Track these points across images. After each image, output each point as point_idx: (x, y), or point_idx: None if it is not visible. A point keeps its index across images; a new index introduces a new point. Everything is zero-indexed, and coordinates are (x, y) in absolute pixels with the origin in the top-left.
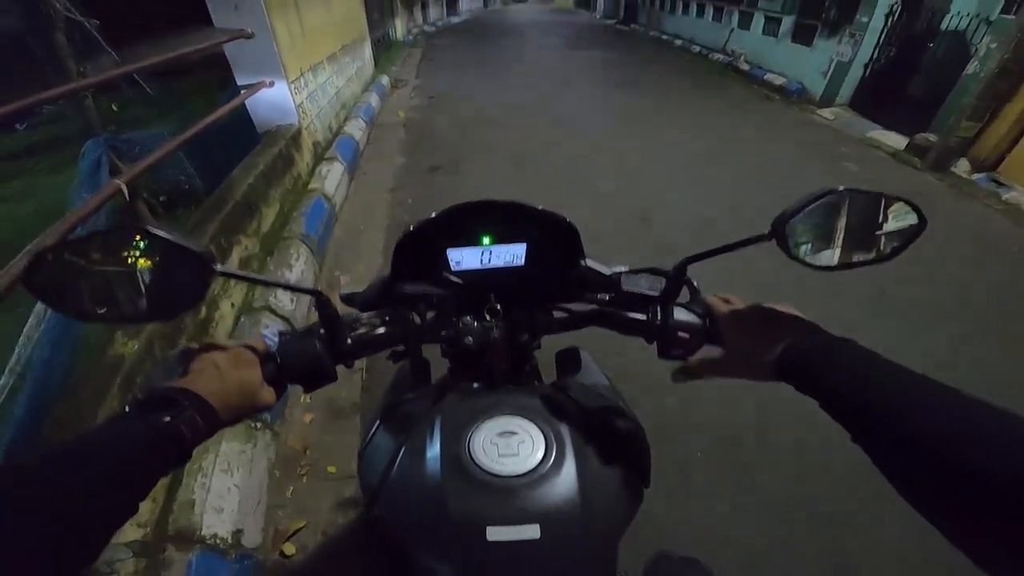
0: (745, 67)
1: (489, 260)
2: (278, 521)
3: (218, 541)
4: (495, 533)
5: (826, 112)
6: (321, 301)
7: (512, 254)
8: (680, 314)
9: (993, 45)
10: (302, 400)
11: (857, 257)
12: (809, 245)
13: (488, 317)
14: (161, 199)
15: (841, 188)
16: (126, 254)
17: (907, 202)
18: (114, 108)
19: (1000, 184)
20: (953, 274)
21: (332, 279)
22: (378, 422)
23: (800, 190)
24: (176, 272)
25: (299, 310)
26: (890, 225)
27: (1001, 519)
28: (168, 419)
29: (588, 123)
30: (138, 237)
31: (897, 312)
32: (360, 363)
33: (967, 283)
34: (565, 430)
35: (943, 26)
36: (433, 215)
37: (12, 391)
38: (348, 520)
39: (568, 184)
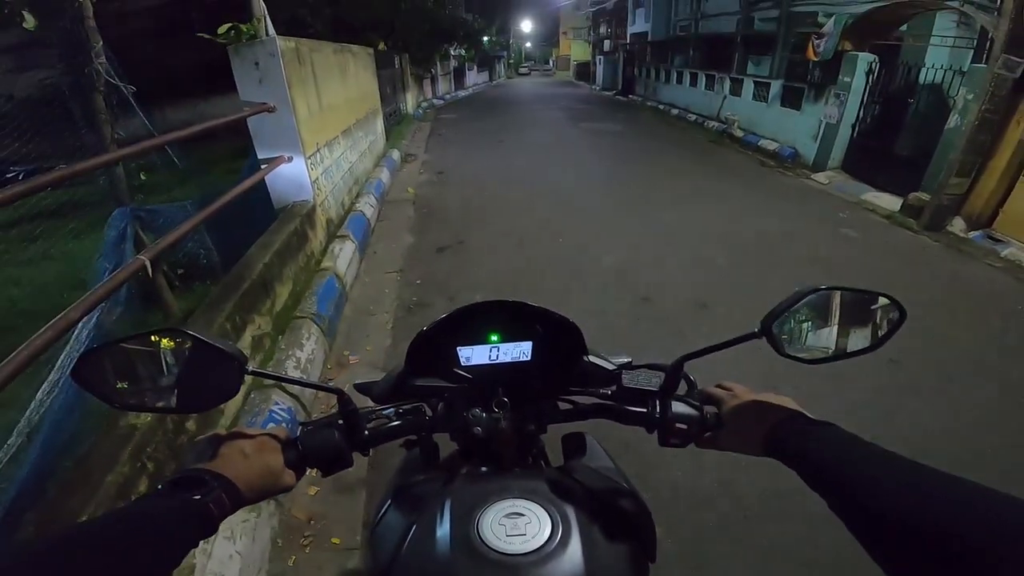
0: (739, 134)
1: (497, 356)
2: None
3: None
4: None
5: (820, 176)
6: (343, 399)
7: (519, 350)
8: (678, 407)
9: (969, 97)
10: (309, 473)
11: (844, 349)
12: (797, 340)
13: (496, 409)
14: (179, 272)
15: (823, 286)
16: (166, 352)
17: (887, 296)
18: (142, 177)
19: (997, 240)
20: (960, 338)
21: (342, 359)
22: (389, 502)
23: (802, 262)
24: (210, 370)
25: (307, 390)
26: (873, 317)
27: None
28: (198, 497)
29: (589, 199)
30: (179, 339)
31: (912, 380)
32: None
33: (976, 345)
34: (570, 510)
35: (921, 79)
36: (445, 315)
37: (19, 451)
38: None
39: (570, 262)
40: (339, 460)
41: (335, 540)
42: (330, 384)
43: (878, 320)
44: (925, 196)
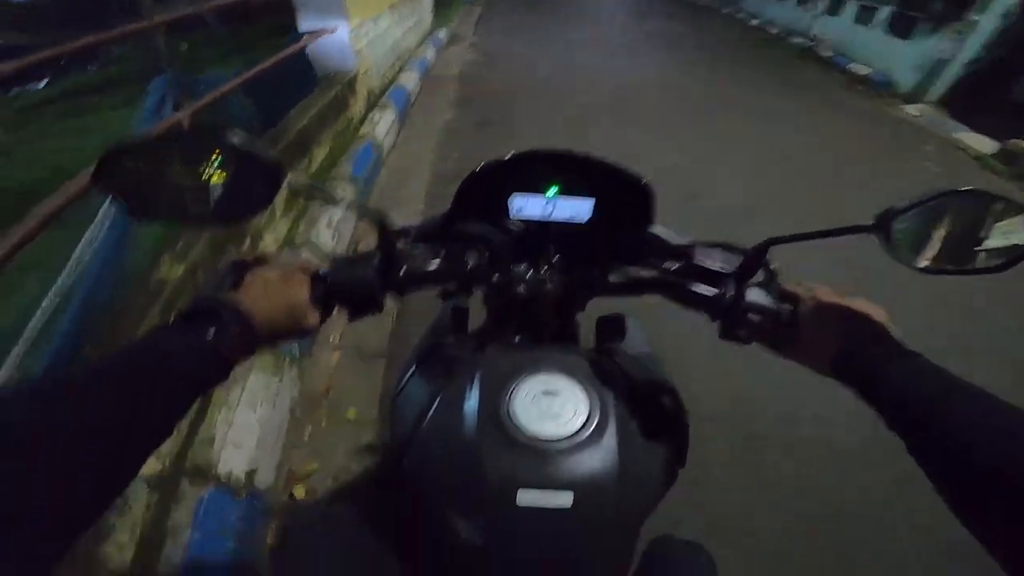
0: (827, 53)
1: (552, 212)
2: (292, 462)
3: (232, 480)
4: (526, 497)
5: (912, 108)
6: (384, 226)
7: (577, 209)
8: (755, 295)
9: None
10: (331, 339)
11: (963, 263)
12: (913, 244)
13: (544, 268)
14: None
15: (961, 188)
16: (200, 157)
17: None
18: (183, 47)
19: None
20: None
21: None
22: (415, 367)
23: (871, 186)
24: (246, 178)
25: (339, 247)
26: (1006, 232)
27: None
28: (211, 333)
29: (645, 101)
30: (211, 141)
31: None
32: (390, 308)
33: None
34: (610, 397)
35: None
36: (503, 158)
37: (56, 311)
38: (362, 466)
39: (618, 152)
40: (370, 300)
41: (351, 413)
42: (376, 210)
43: (1012, 236)
44: None
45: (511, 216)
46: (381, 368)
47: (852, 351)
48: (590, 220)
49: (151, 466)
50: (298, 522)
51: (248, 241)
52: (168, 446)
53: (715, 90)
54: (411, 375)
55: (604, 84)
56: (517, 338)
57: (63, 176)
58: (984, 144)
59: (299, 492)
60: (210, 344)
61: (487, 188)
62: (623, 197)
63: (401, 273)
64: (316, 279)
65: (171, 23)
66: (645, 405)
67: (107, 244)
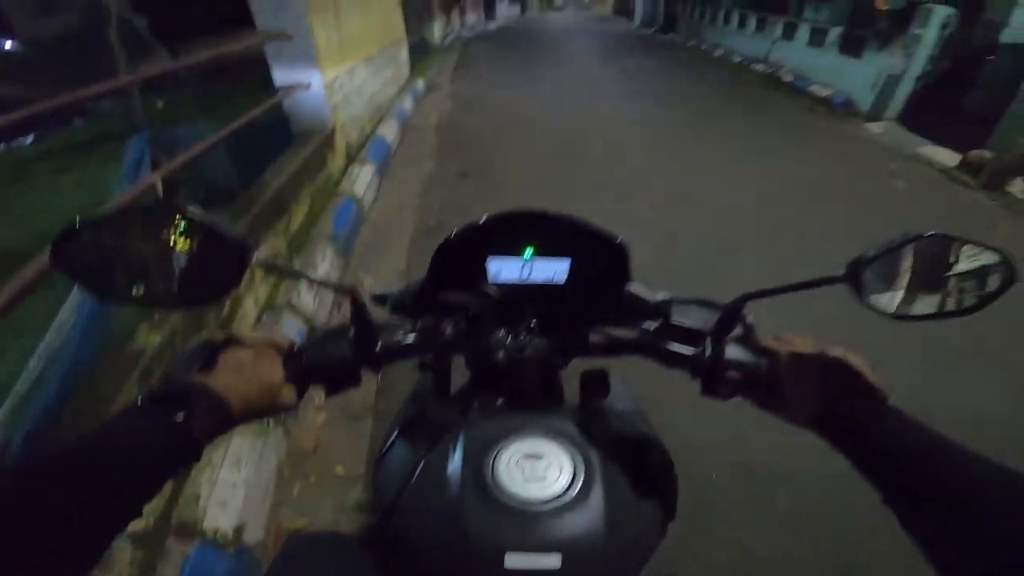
0: (788, 78)
1: (529, 274)
2: (281, 518)
3: (219, 536)
4: (514, 560)
5: (874, 126)
6: (356, 302)
7: (554, 269)
8: (733, 352)
9: None
10: (316, 400)
11: (937, 307)
12: (886, 291)
13: (523, 334)
14: (199, 196)
15: (926, 233)
16: (161, 235)
17: (999, 251)
18: (159, 105)
19: None
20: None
21: (357, 279)
22: (397, 431)
23: (843, 210)
24: (212, 258)
25: (321, 311)
26: (975, 274)
27: None
28: (180, 416)
29: (621, 139)
30: (176, 217)
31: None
32: None
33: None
34: (595, 456)
35: (1001, 39)
36: (477, 221)
37: (39, 377)
38: (350, 522)
39: (595, 201)
40: (347, 376)
41: (339, 469)
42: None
43: (983, 278)
44: (987, 154)
45: (488, 280)
46: (368, 425)
47: (832, 407)
48: (567, 281)
49: (135, 523)
50: (292, 548)
51: (228, 306)
52: (152, 504)
53: (687, 123)
54: (393, 441)
55: (580, 124)
56: (500, 401)
57: (49, 238)
58: (946, 157)
59: None
60: (180, 426)
61: (463, 253)
62: (599, 256)
63: (377, 348)
64: (290, 357)
65: (146, 81)
66: (631, 461)
67: (89, 309)
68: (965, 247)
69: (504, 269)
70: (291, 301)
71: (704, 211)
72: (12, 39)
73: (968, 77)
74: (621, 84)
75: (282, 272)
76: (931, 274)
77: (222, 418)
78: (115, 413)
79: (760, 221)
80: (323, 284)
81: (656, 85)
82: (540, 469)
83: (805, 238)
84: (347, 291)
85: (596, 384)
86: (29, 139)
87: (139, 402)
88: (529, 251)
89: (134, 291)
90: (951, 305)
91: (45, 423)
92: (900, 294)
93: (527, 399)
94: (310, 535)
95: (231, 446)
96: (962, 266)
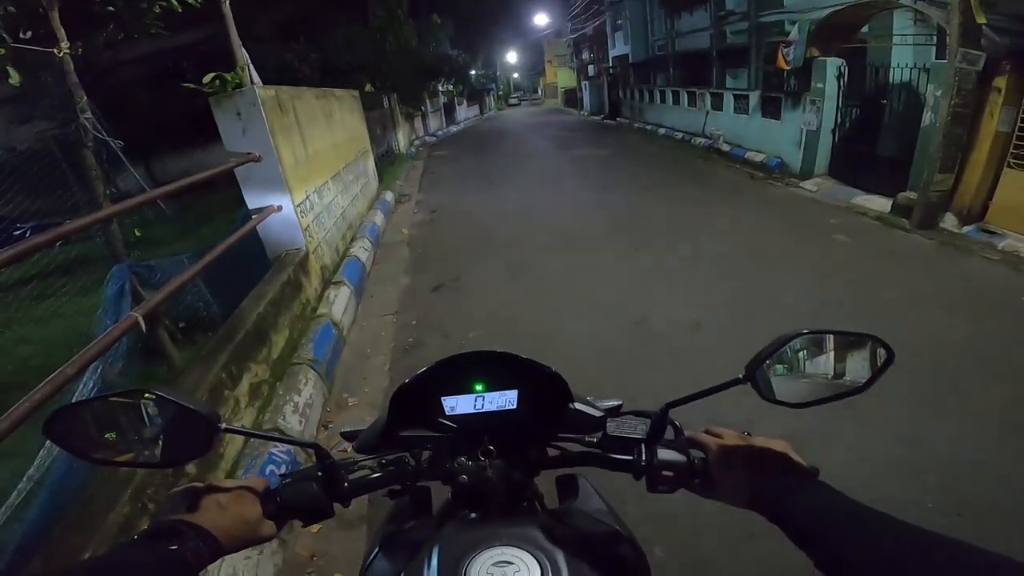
0: (726, 148)
1: (482, 405)
2: None
3: None
4: None
5: (808, 184)
6: (320, 453)
7: (504, 399)
8: (664, 454)
9: (938, 93)
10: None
11: (830, 391)
12: (784, 384)
13: (482, 457)
14: (180, 326)
15: (805, 331)
16: (137, 412)
17: (872, 337)
18: (137, 233)
19: (992, 233)
20: (966, 334)
21: (341, 401)
22: (376, 550)
23: (796, 270)
24: (183, 427)
25: (307, 432)
26: (860, 358)
27: None
28: (174, 547)
29: (582, 227)
30: (147, 397)
31: (923, 382)
32: None
33: (982, 340)
34: (560, 557)
35: (892, 79)
36: (427, 368)
37: (28, 496)
38: None
39: (564, 294)
40: (319, 511)
41: None
42: (307, 439)
43: (866, 361)
44: (913, 195)
45: (445, 415)
46: (363, 533)
47: (763, 486)
48: (517, 406)
49: None
50: None
51: None
52: None
53: (642, 203)
54: (373, 559)
55: (542, 220)
56: (474, 514)
57: (31, 371)
58: (878, 204)
59: None
60: (176, 556)
61: (418, 395)
62: (542, 384)
63: (346, 485)
64: (267, 497)
65: (124, 212)
66: (600, 557)
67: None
68: (843, 338)
69: (459, 404)
70: (278, 423)
71: (668, 276)
72: None
73: (875, 122)
74: (578, 175)
75: (249, 435)
76: (820, 364)
77: (211, 549)
78: (113, 546)
79: (717, 287)
80: (288, 441)
81: (610, 171)
82: (510, 574)
83: (760, 311)
84: (310, 446)
85: (567, 487)
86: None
87: (135, 537)
88: (479, 386)
89: (118, 457)
90: (843, 388)
91: (35, 540)
92: (795, 385)
93: (499, 510)
94: None
95: (225, 560)
96: (844, 353)
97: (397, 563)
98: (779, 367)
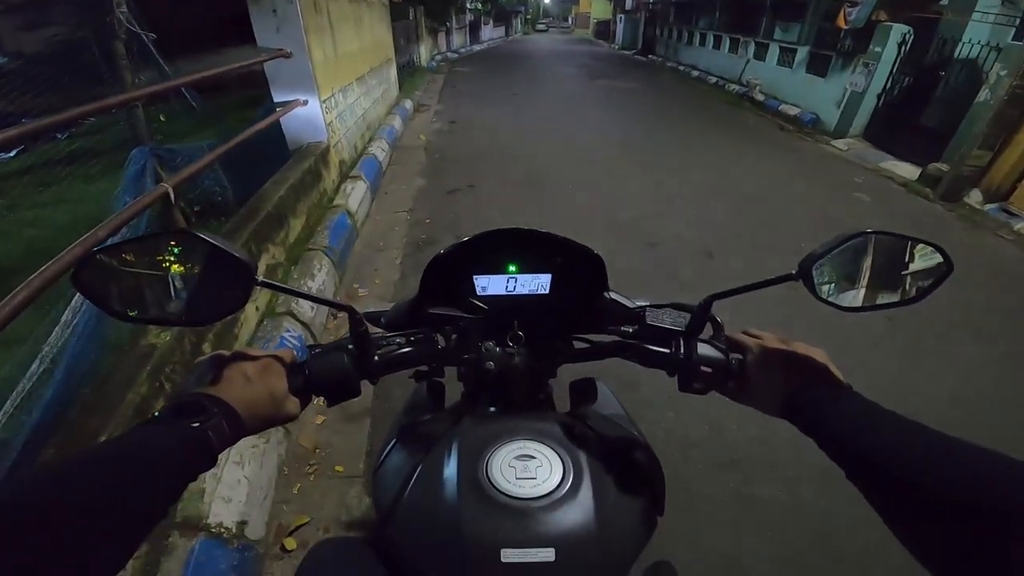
0: (760, 97)
1: (514, 288)
2: (282, 516)
3: (222, 530)
4: (510, 555)
5: (840, 143)
6: (354, 318)
7: (537, 283)
8: (704, 349)
9: (1003, 72)
10: (315, 402)
11: (883, 299)
12: (836, 286)
13: (511, 343)
14: (195, 209)
15: (869, 231)
16: (172, 257)
17: (934, 246)
18: (162, 119)
19: (1012, 214)
20: (967, 301)
21: (351, 291)
22: (394, 441)
23: (810, 222)
24: (218, 278)
25: (318, 318)
26: (916, 267)
27: (992, 553)
28: (197, 424)
29: (601, 154)
30: (185, 241)
31: (913, 343)
32: None
33: (981, 310)
34: (582, 456)
35: (956, 54)
36: (462, 240)
37: (43, 376)
38: (350, 519)
39: (578, 211)
40: (346, 388)
41: (339, 468)
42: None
43: (923, 270)
44: (944, 167)
45: (476, 294)
46: (366, 426)
47: (797, 395)
48: (550, 292)
49: None
50: (318, 553)
51: None
52: None
53: (664, 141)
54: (390, 450)
55: (561, 139)
56: (492, 408)
57: (37, 251)
58: (907, 171)
59: (290, 544)
60: (198, 435)
61: (450, 271)
62: (578, 269)
63: (375, 359)
64: (293, 369)
65: (151, 95)
66: (618, 461)
67: (89, 316)
68: (904, 243)
69: (490, 284)
70: (291, 308)
71: (686, 208)
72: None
73: (926, 93)
74: (601, 105)
75: (284, 291)
76: (876, 268)
77: (234, 427)
78: (136, 423)
79: (727, 231)
80: (323, 302)
81: (636, 105)
82: (531, 469)
83: (770, 250)
84: (345, 309)
85: (584, 391)
86: (11, 153)
87: (157, 413)
88: (513, 267)
89: (148, 312)
90: (897, 296)
91: (51, 419)
92: (848, 288)
93: (517, 405)
94: (336, 540)
95: (233, 446)
96: (903, 260)
97: (416, 454)
98: (834, 267)
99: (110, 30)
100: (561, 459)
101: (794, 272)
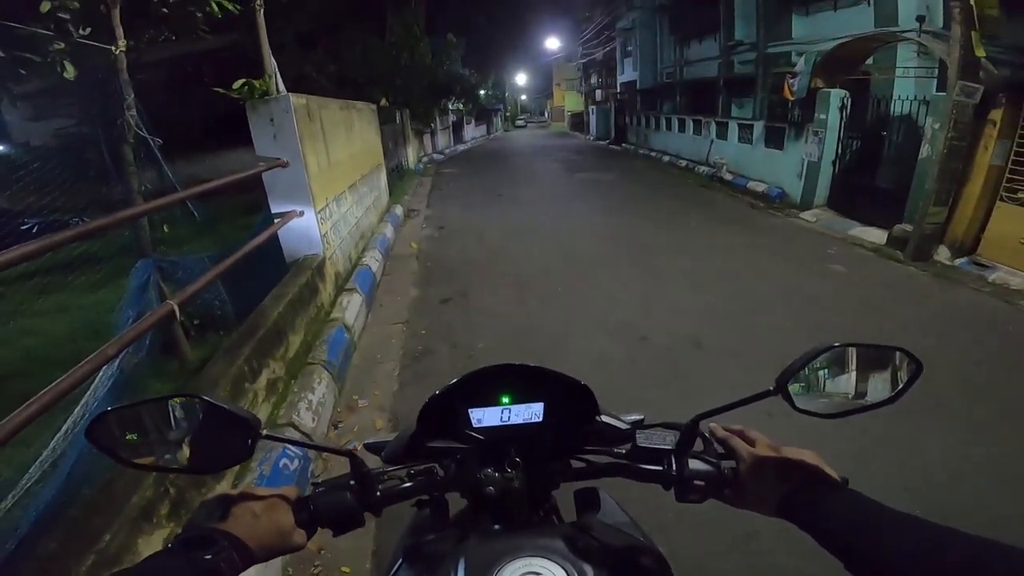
0: (728, 177)
1: (509, 418)
2: None
3: None
4: None
5: (808, 215)
6: (355, 461)
7: (530, 412)
8: (695, 464)
9: (936, 126)
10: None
11: (859, 403)
12: (814, 396)
13: (509, 469)
14: (195, 323)
15: (836, 344)
16: (179, 415)
17: (901, 350)
18: (165, 229)
19: (983, 266)
20: (957, 361)
21: (351, 403)
22: (400, 561)
23: (792, 299)
24: (223, 433)
25: (319, 428)
26: (888, 371)
27: None
28: (208, 556)
29: (585, 248)
30: (191, 402)
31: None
32: None
33: (972, 366)
34: (588, 569)
35: (891, 112)
36: (457, 379)
37: (54, 463)
38: None
39: (568, 310)
40: (351, 521)
41: (345, 569)
42: (343, 446)
43: (894, 374)
44: (908, 227)
45: (472, 425)
46: (372, 527)
47: (791, 496)
48: (543, 419)
49: None
50: None
51: None
52: None
53: (645, 228)
54: (397, 570)
55: (549, 241)
56: (496, 526)
57: (36, 361)
58: (875, 235)
59: None
60: (211, 566)
61: (446, 407)
62: (568, 396)
63: (377, 494)
64: (299, 505)
65: (157, 209)
66: (625, 569)
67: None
68: (871, 350)
69: (485, 416)
70: (292, 420)
71: (673, 296)
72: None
73: (876, 154)
74: (583, 198)
75: (287, 442)
76: (849, 376)
77: (243, 558)
78: (146, 557)
79: (714, 315)
80: (324, 449)
81: (615, 196)
82: None
83: (757, 332)
84: (345, 454)
85: (588, 499)
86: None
87: (170, 545)
88: (506, 398)
89: (156, 462)
90: (872, 400)
91: (47, 522)
92: (827, 397)
93: (521, 522)
94: None
95: None
96: (875, 365)
97: (421, 574)
98: (809, 379)
99: (119, 130)
100: (567, 573)
101: (772, 388)
